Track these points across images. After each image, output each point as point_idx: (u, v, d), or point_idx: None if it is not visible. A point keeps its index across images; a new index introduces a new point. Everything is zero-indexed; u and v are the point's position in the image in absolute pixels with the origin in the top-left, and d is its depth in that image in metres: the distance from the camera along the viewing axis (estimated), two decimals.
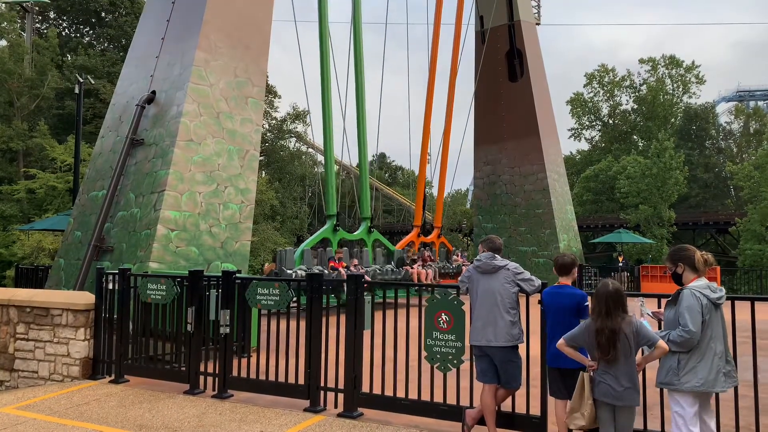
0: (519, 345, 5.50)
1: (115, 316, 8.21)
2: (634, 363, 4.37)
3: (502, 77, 26.82)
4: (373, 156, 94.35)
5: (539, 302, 5.62)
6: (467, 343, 5.67)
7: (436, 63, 24.01)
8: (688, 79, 60.43)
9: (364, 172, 20.58)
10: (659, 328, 4.64)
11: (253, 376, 7.14)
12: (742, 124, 58.96)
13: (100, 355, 8.29)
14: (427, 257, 21.55)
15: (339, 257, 16.92)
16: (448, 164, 24.73)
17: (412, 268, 18.81)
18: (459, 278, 6.36)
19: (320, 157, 56.78)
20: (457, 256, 23.60)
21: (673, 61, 60.11)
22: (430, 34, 24.02)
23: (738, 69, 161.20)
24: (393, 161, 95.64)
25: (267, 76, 16.74)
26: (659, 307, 5.06)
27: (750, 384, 5.00)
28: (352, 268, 16.65)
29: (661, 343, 4.26)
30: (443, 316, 5.81)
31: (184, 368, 7.69)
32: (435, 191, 27.07)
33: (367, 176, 20.68)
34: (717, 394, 4.53)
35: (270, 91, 46.10)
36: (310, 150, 56.53)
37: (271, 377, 6.96)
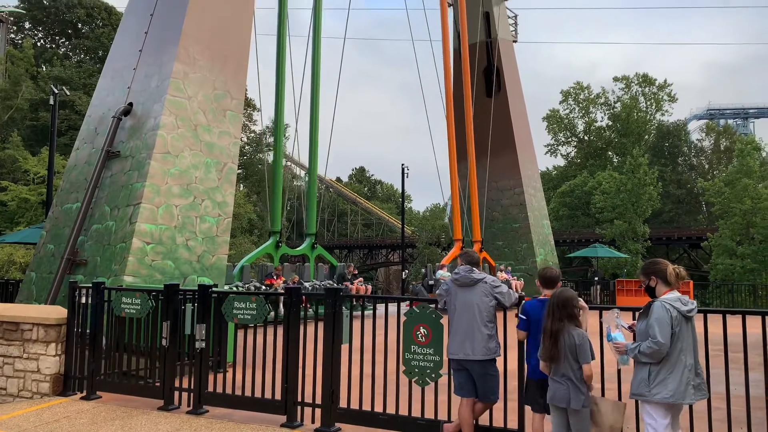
0: (496, 358, 5.53)
1: (88, 331, 8.05)
2: (579, 367, 4.61)
3: (479, 93, 27.14)
4: (353, 170, 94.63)
5: (516, 315, 5.66)
6: (445, 357, 5.68)
7: (450, 80, 24.22)
8: (660, 97, 61.77)
9: (312, 188, 20.62)
10: (634, 339, 4.71)
11: (229, 391, 7.04)
12: (713, 141, 60.34)
13: (72, 371, 8.11)
14: None
15: (277, 273, 16.98)
16: (428, 177, 24.96)
17: (351, 284, 18.89)
18: (437, 291, 6.39)
19: (298, 170, 56.69)
20: (501, 271, 22.96)
21: (646, 80, 61.44)
22: (409, 51, 24.27)
23: (708, 89, 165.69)
24: (372, 175, 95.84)
25: (246, 89, 16.74)
26: (634, 319, 5.13)
27: (723, 396, 5.08)
28: (290, 283, 16.69)
29: (585, 366, 4.60)
30: (421, 330, 5.81)
31: (158, 384, 7.55)
32: (413, 205, 27.17)
33: (315, 191, 20.75)
34: (690, 407, 4.60)
35: (249, 104, 46.02)
36: (289, 163, 56.50)
37: (248, 392, 6.87)
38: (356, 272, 20.82)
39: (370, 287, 19.96)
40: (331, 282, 19.02)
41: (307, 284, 17.70)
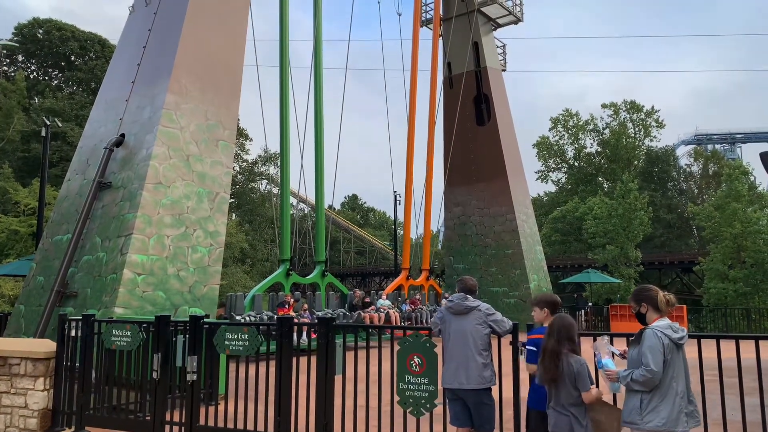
0: (492, 387, 5.47)
1: (78, 365, 7.93)
2: (579, 395, 4.54)
3: (470, 121, 27.43)
4: (346, 197, 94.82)
5: (510, 343, 5.62)
6: (440, 387, 5.62)
7: (415, 109, 24.60)
8: (648, 123, 62.60)
9: (320, 215, 20.61)
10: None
11: (221, 424, 6.92)
12: (701, 166, 60.99)
13: (60, 406, 7.96)
14: (416, 301, 21.55)
15: (288, 302, 16.71)
16: (419, 205, 25.10)
17: (364, 312, 18.64)
18: (431, 319, 6.35)
19: (292, 200, 56.68)
20: (446, 298, 23.17)
21: (633, 106, 62.33)
22: (402, 81, 24.72)
23: (695, 117, 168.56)
24: (365, 203, 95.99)
25: (238, 119, 16.85)
26: (628, 345, 5.11)
27: (719, 422, 5.05)
28: (302, 312, 16.45)
29: (585, 394, 4.51)
30: (415, 359, 5.75)
31: (148, 417, 7.42)
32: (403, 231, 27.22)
33: (323, 220, 20.71)
34: None
35: (241, 134, 46.23)
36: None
37: (240, 425, 6.76)
38: (368, 299, 20.20)
39: (383, 315, 19.37)
40: (343, 311, 18.79)
41: (319, 313, 17.44)
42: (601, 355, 4.58)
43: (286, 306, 16.55)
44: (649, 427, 4.24)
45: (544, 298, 5.40)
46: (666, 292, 4.57)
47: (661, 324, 4.40)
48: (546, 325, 5.19)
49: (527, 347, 5.22)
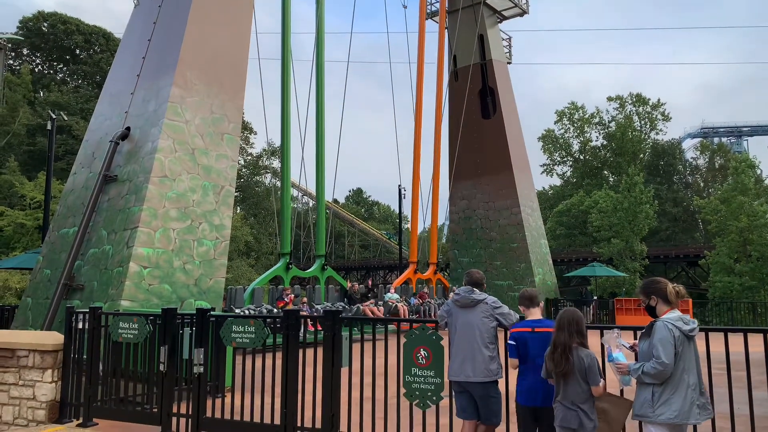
0: (498, 380, 5.47)
1: (85, 357, 7.97)
2: (588, 389, 4.51)
3: (475, 114, 27.34)
4: (350, 191, 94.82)
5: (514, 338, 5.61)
6: (446, 379, 5.63)
7: (422, 102, 24.54)
8: (654, 116, 62.23)
9: (321, 209, 20.64)
10: (636, 359, 4.67)
11: (227, 416, 6.95)
12: (707, 159, 60.66)
13: (68, 398, 8.01)
14: (424, 294, 21.57)
15: (287, 294, 16.77)
16: (426, 199, 25.07)
17: (363, 305, 18.66)
18: (438, 312, 6.34)
19: (296, 193, 56.69)
20: (455, 292, 23.11)
21: (639, 99, 61.96)
22: (407, 74, 24.53)
23: (701, 110, 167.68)
24: (369, 196, 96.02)
25: (243, 113, 16.85)
26: (635, 338, 5.10)
27: (726, 416, 5.04)
28: (302, 306, 16.50)
29: (595, 389, 4.50)
30: (422, 352, 5.76)
31: (155, 409, 7.45)
32: (411, 226, 27.22)
33: (323, 213, 20.74)
34: (695, 427, 4.55)
35: (246, 128, 46.24)
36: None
37: (246, 417, 6.78)
38: (369, 293, 20.06)
39: (382, 309, 19.35)
40: (342, 304, 18.85)
41: (318, 306, 17.50)
42: (612, 349, 4.55)
43: (285, 299, 16.65)
44: (661, 420, 4.21)
45: (520, 296, 5.50)
46: (675, 284, 4.53)
47: (671, 316, 4.36)
48: (528, 318, 5.32)
49: (508, 342, 5.23)
